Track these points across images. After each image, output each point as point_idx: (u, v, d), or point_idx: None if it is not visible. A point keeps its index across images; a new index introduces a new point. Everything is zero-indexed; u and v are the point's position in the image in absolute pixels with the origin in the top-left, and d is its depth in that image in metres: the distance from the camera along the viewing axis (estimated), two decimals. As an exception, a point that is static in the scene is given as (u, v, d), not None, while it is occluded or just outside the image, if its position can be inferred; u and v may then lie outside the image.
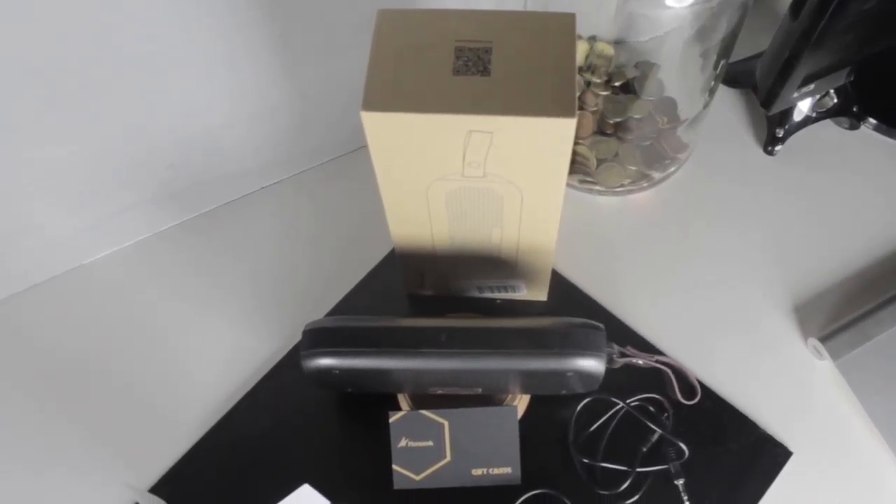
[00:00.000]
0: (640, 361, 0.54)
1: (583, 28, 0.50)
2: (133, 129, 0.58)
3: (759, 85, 0.59)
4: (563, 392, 0.55)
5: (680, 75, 0.62)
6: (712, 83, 0.62)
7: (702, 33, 0.56)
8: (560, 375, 0.51)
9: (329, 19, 0.58)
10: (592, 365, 0.51)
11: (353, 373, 0.52)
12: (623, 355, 0.53)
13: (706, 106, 0.63)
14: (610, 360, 0.53)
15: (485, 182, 0.47)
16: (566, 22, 0.44)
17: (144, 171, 0.62)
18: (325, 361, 0.51)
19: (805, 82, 0.58)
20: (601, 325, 0.52)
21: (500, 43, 0.43)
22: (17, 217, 0.60)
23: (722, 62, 0.59)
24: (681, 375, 0.55)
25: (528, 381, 0.52)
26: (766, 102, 0.59)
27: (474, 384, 0.53)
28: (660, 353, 0.59)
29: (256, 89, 0.61)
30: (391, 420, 0.56)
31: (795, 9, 0.53)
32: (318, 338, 0.51)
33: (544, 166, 0.45)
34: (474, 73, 0.43)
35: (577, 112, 0.66)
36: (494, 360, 0.50)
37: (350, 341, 0.51)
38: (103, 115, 0.56)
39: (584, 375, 0.51)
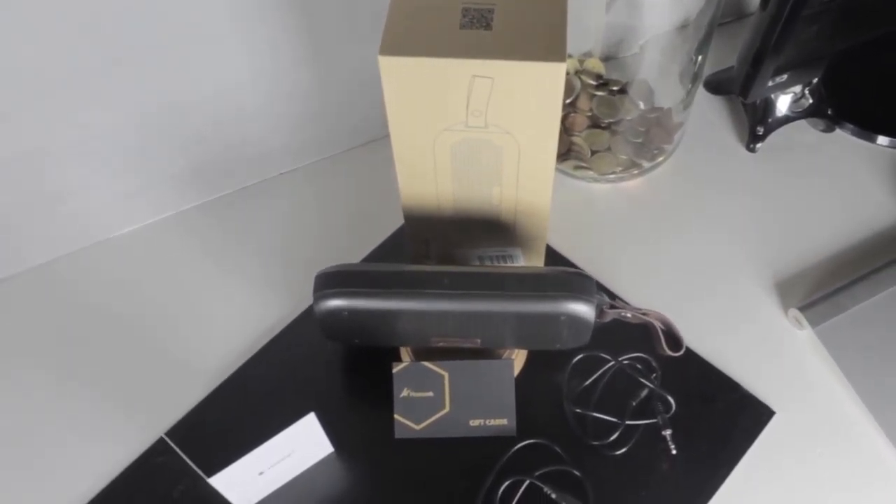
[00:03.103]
0: (629, 314, 0.58)
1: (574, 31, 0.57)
2: (169, 99, 0.64)
3: (736, 74, 0.65)
4: (557, 346, 0.59)
5: (664, 74, 0.68)
6: (690, 85, 0.69)
7: (682, 30, 0.63)
8: (553, 319, 0.55)
9: (350, 10, 0.65)
10: (584, 310, 0.55)
11: (361, 314, 0.55)
12: (612, 307, 0.57)
13: (689, 93, 0.69)
14: (600, 313, 0.57)
15: (486, 133, 0.53)
16: (559, -11, 0.50)
17: (176, 143, 0.68)
18: (335, 302, 0.55)
19: (778, 72, 0.64)
20: (591, 276, 0.56)
21: (501, 5, 0.50)
22: (58, 181, 0.65)
23: (699, 57, 0.66)
24: (667, 329, 0.59)
25: (524, 327, 0.56)
26: (744, 91, 0.65)
27: (474, 333, 0.57)
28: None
29: (279, 74, 0.68)
30: (394, 370, 0.59)
31: (765, -1, 0.60)
32: (328, 280, 0.56)
33: (539, 114, 0.50)
34: (478, 27, 0.49)
35: (575, 112, 0.72)
36: (493, 303, 0.54)
37: (358, 283, 0.55)
38: (146, 84, 0.62)
39: (575, 320, 0.55)
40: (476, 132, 0.53)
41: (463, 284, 0.55)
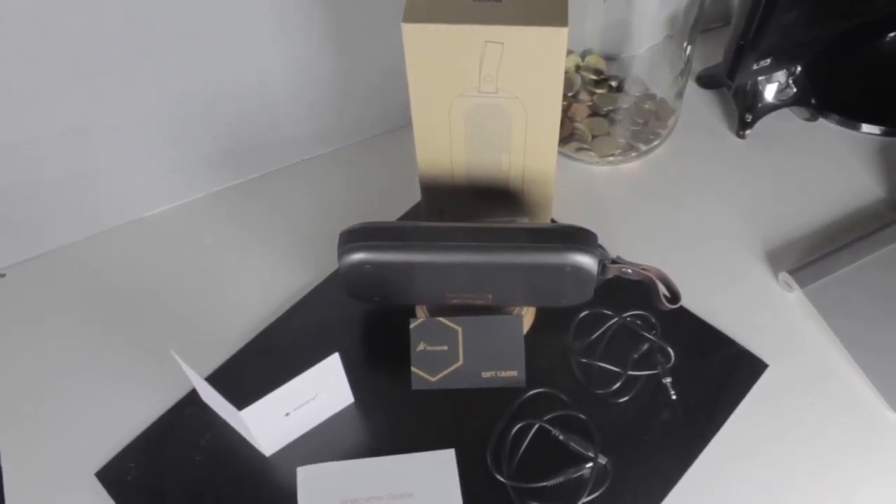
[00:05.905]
0: (630, 270, 0.62)
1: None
2: (203, 84, 0.70)
3: (724, 59, 0.71)
4: (563, 302, 0.63)
5: (657, 63, 0.74)
6: (680, 74, 0.75)
7: (672, 21, 0.69)
8: (559, 270, 0.59)
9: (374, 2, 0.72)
10: (587, 261, 0.59)
11: (382, 266, 0.60)
12: (614, 262, 0.62)
13: (679, 81, 0.75)
14: (603, 268, 0.62)
15: (496, 98, 0.58)
16: (562, -31, 0.57)
17: (208, 126, 0.73)
18: (358, 256, 0.60)
19: (762, 56, 0.70)
20: (594, 232, 0.61)
21: (509, -18, 0.56)
22: (94, 161, 0.70)
23: (689, 47, 0.72)
24: (665, 284, 0.63)
25: (532, 280, 0.60)
26: (731, 73, 0.71)
27: (486, 287, 0.62)
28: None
29: (309, 62, 0.73)
30: (412, 326, 0.63)
31: (748, -15, 0.66)
32: (352, 235, 0.60)
33: (543, 78, 0.56)
34: (489, 0, 0.55)
35: (576, 102, 0.78)
36: (503, 254, 0.59)
37: (380, 236, 0.60)
38: (181, 68, 0.68)
39: (580, 271, 0.59)
40: (487, 97, 0.58)
41: (476, 237, 0.59)
